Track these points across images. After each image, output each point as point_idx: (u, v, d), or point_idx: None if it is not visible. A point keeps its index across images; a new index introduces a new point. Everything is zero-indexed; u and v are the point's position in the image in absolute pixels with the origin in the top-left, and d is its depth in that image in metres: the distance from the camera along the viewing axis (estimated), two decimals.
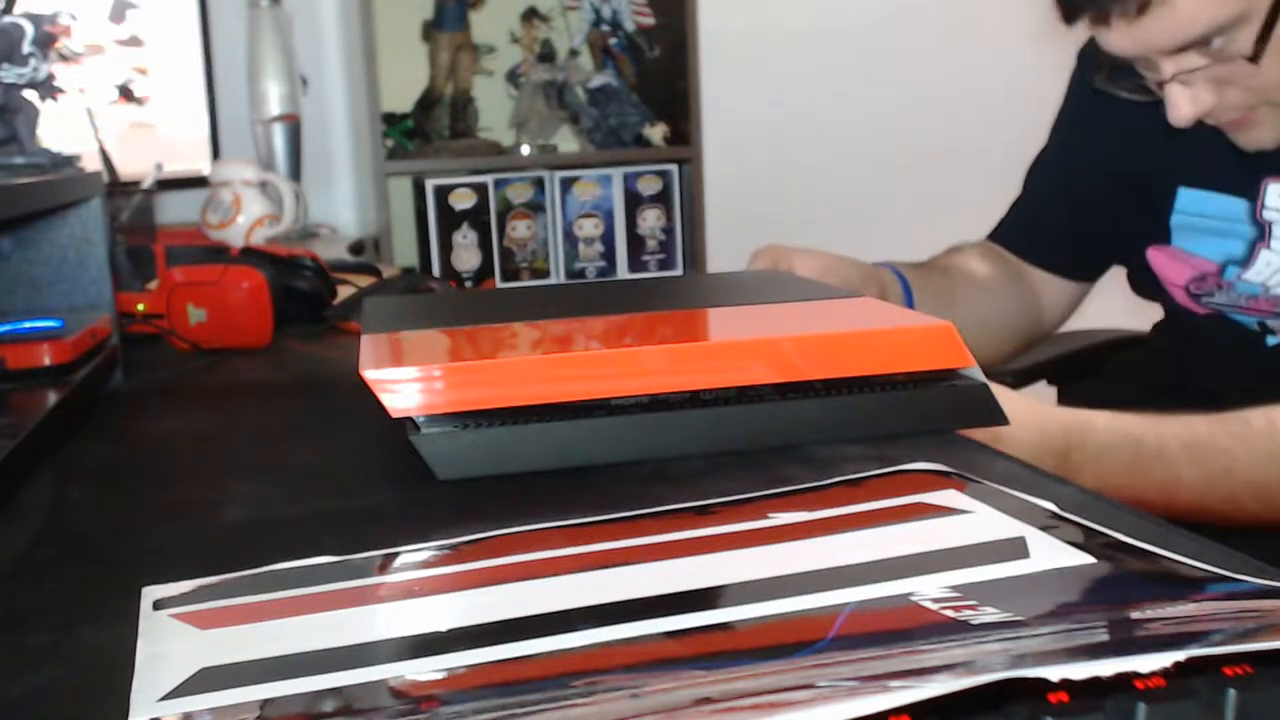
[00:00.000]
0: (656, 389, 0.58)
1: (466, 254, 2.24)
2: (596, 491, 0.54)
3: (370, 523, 0.51)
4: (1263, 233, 0.95)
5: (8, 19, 0.78)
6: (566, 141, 2.37)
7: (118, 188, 1.46)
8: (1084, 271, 1.13)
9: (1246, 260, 0.96)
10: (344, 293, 1.08)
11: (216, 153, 1.94)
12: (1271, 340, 0.98)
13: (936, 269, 1.10)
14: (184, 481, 0.62)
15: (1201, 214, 0.99)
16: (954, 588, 0.38)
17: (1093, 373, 1.33)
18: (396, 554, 0.46)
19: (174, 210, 1.85)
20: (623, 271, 2.34)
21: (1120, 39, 0.85)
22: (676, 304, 0.76)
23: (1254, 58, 0.81)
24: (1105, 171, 1.05)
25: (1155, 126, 0.98)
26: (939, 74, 2.57)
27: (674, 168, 2.33)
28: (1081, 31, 1.06)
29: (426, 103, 2.33)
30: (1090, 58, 1.05)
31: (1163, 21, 0.81)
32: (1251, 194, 0.94)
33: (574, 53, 2.40)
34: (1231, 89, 0.85)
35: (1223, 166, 0.95)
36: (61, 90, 0.81)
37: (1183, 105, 0.85)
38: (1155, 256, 1.03)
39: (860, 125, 2.57)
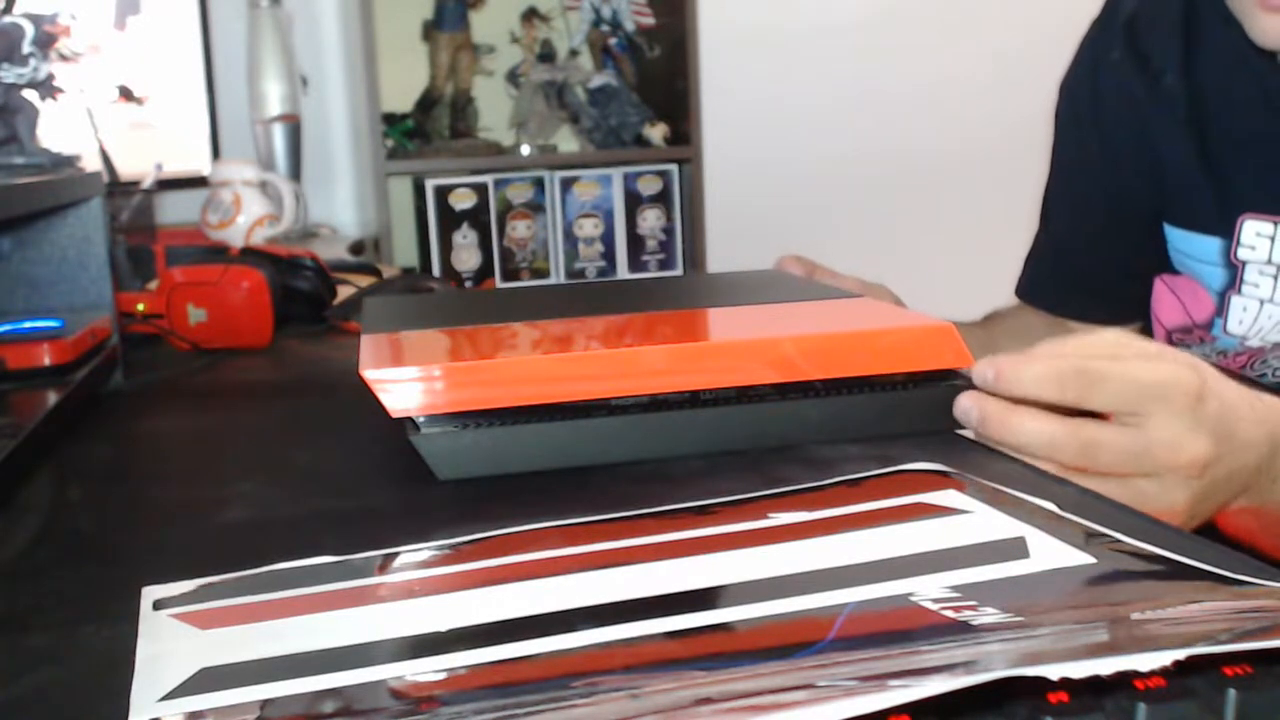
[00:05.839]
0: (656, 389, 0.58)
1: (466, 254, 2.24)
2: (596, 491, 0.54)
3: (370, 523, 0.51)
4: (1234, 278, 0.92)
5: (8, 19, 0.78)
6: (566, 141, 2.38)
7: (118, 188, 1.46)
8: (1123, 316, 1.06)
9: (1221, 309, 0.93)
10: (344, 293, 1.08)
11: (216, 153, 1.94)
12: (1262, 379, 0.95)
13: (975, 326, 1.06)
14: (184, 481, 0.62)
15: (1186, 253, 0.96)
16: (954, 588, 0.38)
17: None
18: (396, 554, 0.46)
19: (174, 210, 1.85)
20: (623, 271, 2.34)
21: None
22: (676, 304, 0.75)
23: None
24: (1111, 207, 1.03)
25: (1140, 161, 0.97)
26: (939, 73, 2.57)
27: (674, 168, 2.33)
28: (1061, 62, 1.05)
29: (426, 103, 2.33)
30: (1072, 89, 1.05)
31: None
32: (1226, 232, 0.91)
33: (574, 53, 2.40)
34: None
35: (1199, 205, 0.93)
36: (61, 90, 0.81)
37: None
38: (1159, 287, 1.00)
39: (860, 125, 2.57)
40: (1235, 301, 0.93)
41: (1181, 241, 0.96)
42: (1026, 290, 1.11)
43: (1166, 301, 1.00)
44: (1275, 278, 0.90)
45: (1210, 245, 0.93)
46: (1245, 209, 0.90)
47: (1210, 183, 0.92)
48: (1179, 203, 0.95)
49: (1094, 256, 1.06)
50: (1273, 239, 0.90)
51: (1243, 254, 0.91)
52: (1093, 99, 1.02)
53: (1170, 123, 0.94)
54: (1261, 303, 0.92)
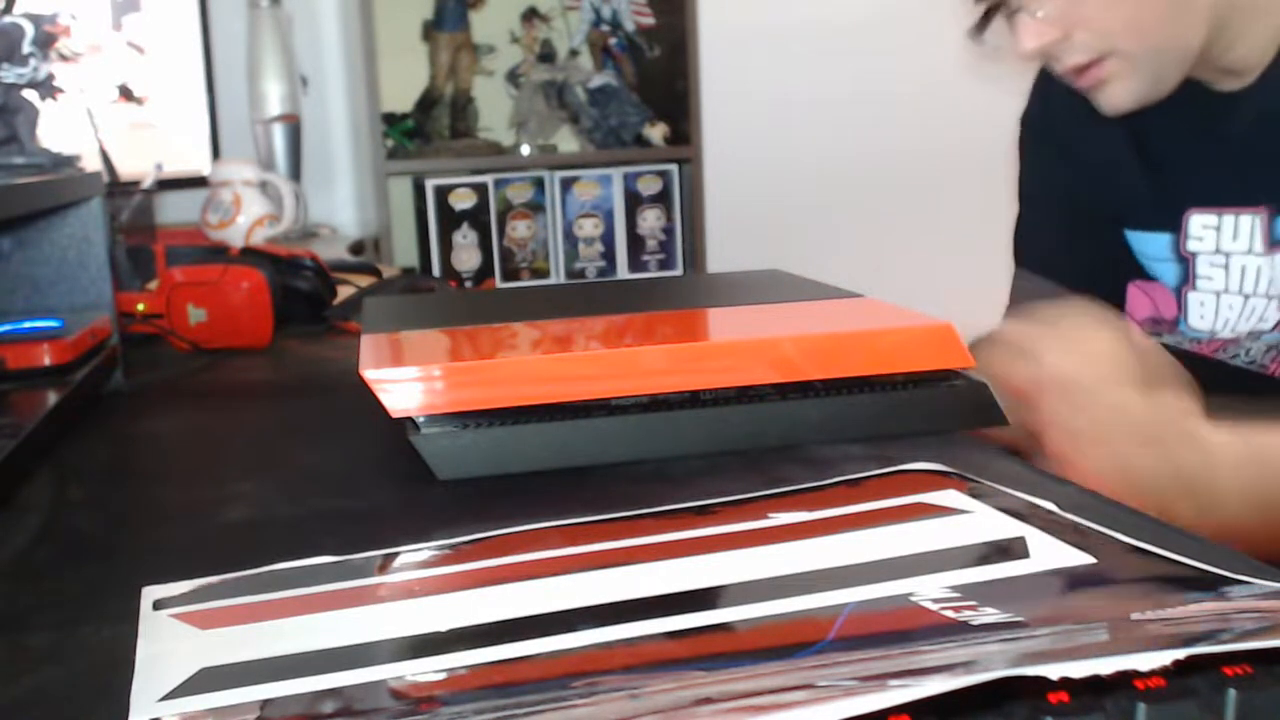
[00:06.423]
0: (656, 389, 0.58)
1: (466, 254, 2.24)
2: (596, 491, 0.54)
3: (370, 523, 0.51)
4: (1187, 272, 0.94)
5: (8, 19, 0.78)
6: (566, 141, 2.37)
7: (118, 188, 1.46)
8: None
9: (1181, 307, 0.95)
10: (344, 293, 1.08)
11: (216, 153, 1.94)
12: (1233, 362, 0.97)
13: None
14: (184, 481, 0.62)
15: (1142, 253, 0.98)
16: (954, 588, 0.38)
17: None
18: (396, 554, 0.46)
19: (174, 210, 1.85)
20: (623, 271, 2.34)
21: None
22: (676, 304, 0.76)
23: None
24: (1075, 223, 1.04)
25: (1095, 169, 1.00)
26: (939, 72, 2.57)
27: (674, 168, 2.33)
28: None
29: (426, 103, 2.33)
30: (1029, 119, 1.07)
31: None
32: (1175, 226, 0.94)
33: (574, 53, 2.40)
34: (1080, 31, 0.85)
35: (1146, 202, 0.95)
36: (61, 90, 0.81)
37: (1027, 37, 0.88)
38: (1132, 290, 1.02)
39: (860, 124, 2.57)
40: (1192, 297, 0.94)
41: (1137, 242, 0.99)
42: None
43: (1138, 301, 1.03)
44: (1225, 268, 0.92)
45: (1161, 241, 0.96)
46: (1189, 204, 0.93)
47: (1153, 180, 0.95)
48: (1129, 204, 0.98)
49: (1064, 271, 1.06)
50: (1218, 229, 0.92)
51: (1192, 245, 0.93)
52: (1046, 121, 1.05)
53: (1113, 129, 0.96)
54: (1218, 295, 0.93)
